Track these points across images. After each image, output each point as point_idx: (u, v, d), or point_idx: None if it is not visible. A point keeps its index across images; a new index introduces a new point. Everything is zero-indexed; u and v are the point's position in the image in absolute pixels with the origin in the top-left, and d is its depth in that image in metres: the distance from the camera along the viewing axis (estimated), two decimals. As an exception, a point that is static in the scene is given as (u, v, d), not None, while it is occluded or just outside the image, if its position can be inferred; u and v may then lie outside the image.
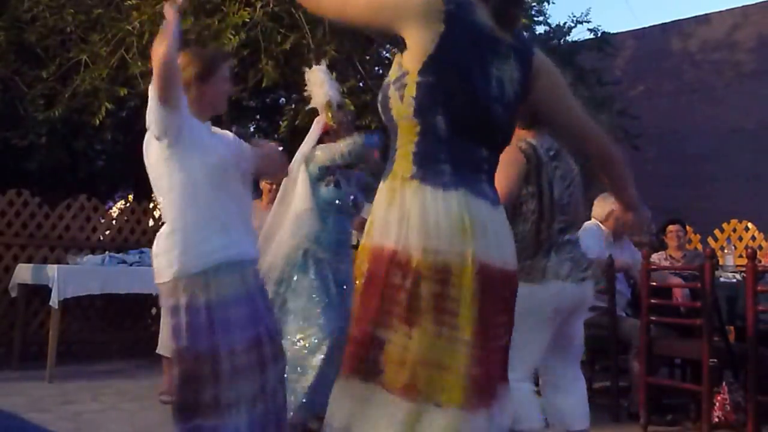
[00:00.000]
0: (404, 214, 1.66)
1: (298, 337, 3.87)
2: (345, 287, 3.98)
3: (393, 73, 1.77)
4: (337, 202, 4.15)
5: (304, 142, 4.32)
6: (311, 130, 4.35)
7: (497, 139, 1.81)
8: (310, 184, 4.12)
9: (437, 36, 1.67)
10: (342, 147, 4.08)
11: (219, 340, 2.55)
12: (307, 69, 4.36)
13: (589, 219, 5.23)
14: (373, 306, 1.67)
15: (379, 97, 1.82)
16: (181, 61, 2.73)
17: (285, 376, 2.85)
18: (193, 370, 2.53)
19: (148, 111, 2.55)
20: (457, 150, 1.71)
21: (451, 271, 1.62)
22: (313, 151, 4.19)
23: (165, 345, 4.87)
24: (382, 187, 1.78)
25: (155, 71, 2.49)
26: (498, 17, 1.77)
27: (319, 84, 4.26)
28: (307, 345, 3.84)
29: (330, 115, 4.21)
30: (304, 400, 3.76)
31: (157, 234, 2.70)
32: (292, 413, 3.63)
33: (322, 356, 3.79)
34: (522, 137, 3.07)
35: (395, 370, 1.63)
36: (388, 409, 1.63)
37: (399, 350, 1.63)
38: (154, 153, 2.67)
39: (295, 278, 3.99)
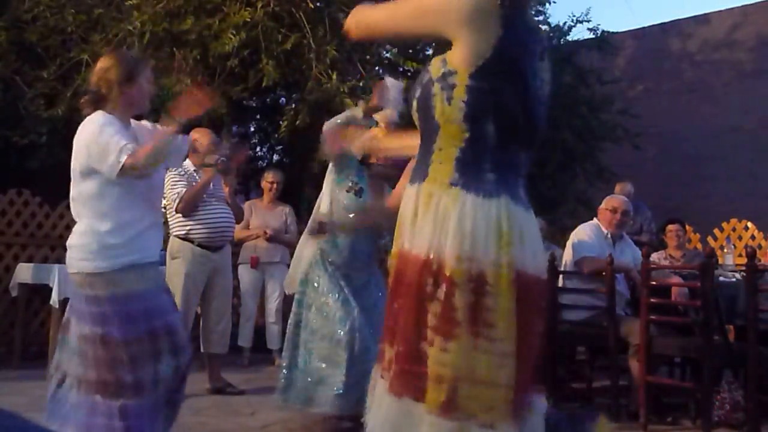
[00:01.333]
0: (440, 221, 1.61)
1: (322, 333, 3.97)
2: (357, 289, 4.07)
3: (436, 70, 1.69)
4: (352, 211, 4.14)
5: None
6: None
7: (536, 141, 1.76)
8: (335, 189, 4.15)
9: (494, 40, 1.59)
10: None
11: (118, 329, 2.81)
12: (386, 77, 4.31)
13: None
14: (412, 318, 1.61)
15: (417, 93, 1.74)
16: (104, 64, 3.01)
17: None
18: (106, 354, 2.82)
19: (103, 153, 2.80)
20: (502, 157, 1.66)
21: (487, 280, 1.57)
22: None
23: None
24: (415, 191, 1.72)
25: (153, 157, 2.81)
26: None
27: (391, 103, 4.14)
28: (331, 339, 3.93)
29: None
30: (339, 392, 3.82)
31: (75, 228, 2.96)
32: (328, 406, 3.83)
33: (346, 352, 3.86)
34: None
35: (433, 387, 1.56)
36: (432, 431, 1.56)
37: (436, 365, 1.57)
38: (85, 162, 2.89)
39: (316, 277, 4.10)
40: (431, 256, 1.60)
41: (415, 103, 1.75)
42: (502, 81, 1.62)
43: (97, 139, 2.83)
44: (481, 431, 1.55)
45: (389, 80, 4.22)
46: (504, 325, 1.56)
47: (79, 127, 2.95)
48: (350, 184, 4.11)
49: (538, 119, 1.70)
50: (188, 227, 5.06)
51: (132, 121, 3.11)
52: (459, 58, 1.63)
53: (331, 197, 4.14)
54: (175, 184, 4.99)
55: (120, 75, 2.97)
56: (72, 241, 2.95)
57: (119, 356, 2.80)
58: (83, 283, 2.88)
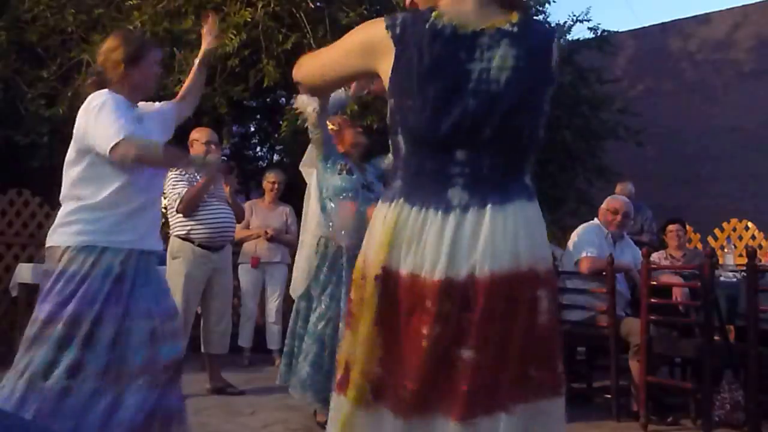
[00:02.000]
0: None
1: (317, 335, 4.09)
2: None
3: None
4: (349, 190, 4.25)
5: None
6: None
7: (482, 135, 1.70)
8: (323, 177, 4.26)
9: (390, 58, 1.72)
10: None
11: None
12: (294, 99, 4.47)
13: None
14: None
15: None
16: (110, 44, 2.97)
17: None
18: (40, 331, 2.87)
19: (104, 131, 2.75)
20: (412, 165, 1.75)
21: (366, 277, 1.72)
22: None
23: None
24: None
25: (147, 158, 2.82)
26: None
27: (305, 108, 4.29)
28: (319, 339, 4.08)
29: (328, 120, 4.33)
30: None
31: (64, 205, 3.00)
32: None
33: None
34: None
35: (340, 372, 1.77)
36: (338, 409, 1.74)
37: (343, 353, 1.78)
38: (82, 137, 2.88)
39: (319, 269, 4.25)
40: (360, 260, 1.81)
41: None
42: (400, 96, 1.73)
43: (97, 114, 2.79)
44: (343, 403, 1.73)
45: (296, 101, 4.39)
46: (367, 316, 1.69)
47: (83, 104, 2.90)
48: (339, 167, 4.24)
49: (476, 115, 1.69)
50: (189, 227, 5.06)
51: (140, 103, 3.07)
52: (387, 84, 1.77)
53: (324, 186, 4.25)
54: (176, 185, 4.99)
55: (125, 55, 2.93)
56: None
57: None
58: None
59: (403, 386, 1.65)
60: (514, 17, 1.73)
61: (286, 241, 6.63)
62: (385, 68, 1.74)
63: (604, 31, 10.18)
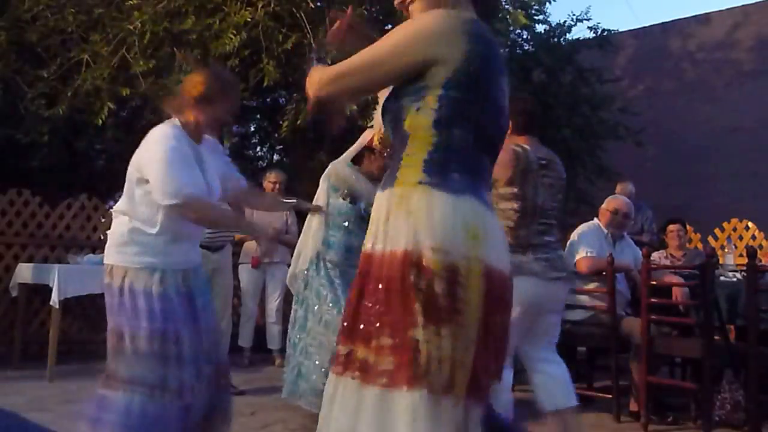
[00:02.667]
0: (411, 216, 1.70)
1: (313, 333, 4.22)
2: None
3: (405, 85, 1.81)
4: (346, 221, 4.42)
5: (348, 150, 4.56)
6: (360, 139, 4.53)
7: (499, 148, 1.89)
8: (329, 193, 4.43)
9: (463, 53, 1.74)
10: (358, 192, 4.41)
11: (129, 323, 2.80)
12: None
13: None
14: (399, 310, 1.68)
15: (386, 105, 1.87)
16: (196, 77, 2.97)
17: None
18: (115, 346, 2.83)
19: (162, 184, 2.77)
20: (468, 160, 1.77)
21: (459, 272, 1.66)
22: (343, 165, 4.49)
23: None
24: (385, 195, 1.81)
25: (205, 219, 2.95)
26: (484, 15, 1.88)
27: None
28: (315, 338, 4.20)
29: (379, 138, 4.30)
30: (316, 388, 4.03)
31: (120, 221, 2.92)
32: (304, 400, 4.16)
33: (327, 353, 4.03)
34: (516, 142, 3.42)
35: (430, 368, 1.65)
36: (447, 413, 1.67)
37: (431, 349, 1.65)
38: (142, 173, 2.87)
39: (311, 277, 4.38)
40: (410, 249, 1.68)
41: (386, 117, 1.88)
42: (467, 92, 1.75)
43: (158, 160, 2.79)
44: (453, 405, 1.66)
45: None
46: (473, 314, 1.67)
47: (150, 133, 2.89)
48: (344, 191, 4.32)
49: (500, 128, 1.85)
50: (210, 236, 5.09)
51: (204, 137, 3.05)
52: (429, 73, 1.76)
53: (330, 204, 4.43)
54: None
55: (200, 94, 2.93)
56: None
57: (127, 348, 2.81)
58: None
59: (490, 376, 1.73)
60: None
61: (286, 241, 6.62)
62: (449, 59, 1.74)
63: (604, 30, 10.18)
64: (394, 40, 1.82)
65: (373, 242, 1.79)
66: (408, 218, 1.70)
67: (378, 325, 1.70)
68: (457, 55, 1.74)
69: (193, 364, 2.83)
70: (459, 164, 1.75)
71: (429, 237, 1.67)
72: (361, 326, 1.73)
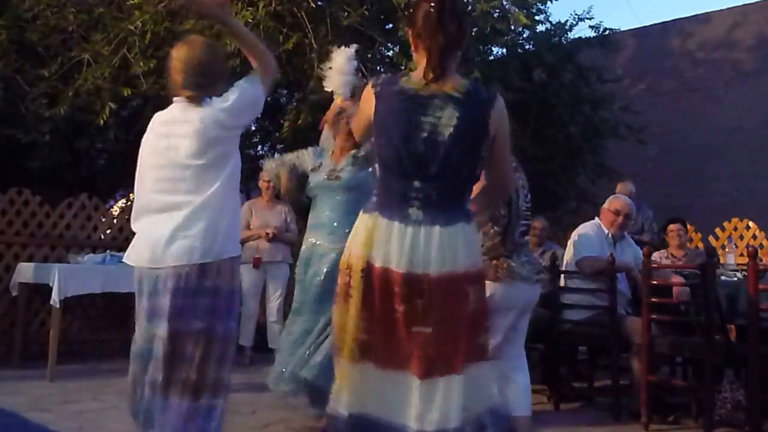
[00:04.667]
0: (353, 231, 2.40)
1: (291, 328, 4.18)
2: None
3: None
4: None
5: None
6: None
7: (430, 171, 2.28)
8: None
9: (374, 108, 2.36)
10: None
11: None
12: (336, 48, 4.43)
13: None
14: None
15: None
16: (175, 52, 3.01)
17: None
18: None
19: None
20: (384, 186, 2.36)
21: (352, 268, 2.29)
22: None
23: None
24: None
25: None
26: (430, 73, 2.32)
27: (338, 69, 4.30)
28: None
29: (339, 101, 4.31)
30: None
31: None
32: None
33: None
34: None
35: (337, 336, 2.36)
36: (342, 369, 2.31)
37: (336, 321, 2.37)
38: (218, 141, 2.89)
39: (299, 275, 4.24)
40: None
41: None
42: (377, 134, 2.37)
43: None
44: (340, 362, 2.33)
45: (340, 51, 4.38)
46: (355, 297, 2.27)
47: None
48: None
49: (425, 156, 2.27)
50: None
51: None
52: None
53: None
54: None
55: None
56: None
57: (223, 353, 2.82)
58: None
59: (381, 346, 2.26)
60: (463, 86, 2.33)
61: (287, 239, 6.63)
62: (371, 114, 2.37)
63: (605, 29, 10.18)
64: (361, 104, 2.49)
65: None
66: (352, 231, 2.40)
67: None
68: (372, 110, 2.36)
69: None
70: (379, 190, 2.39)
71: (348, 245, 2.36)
72: None
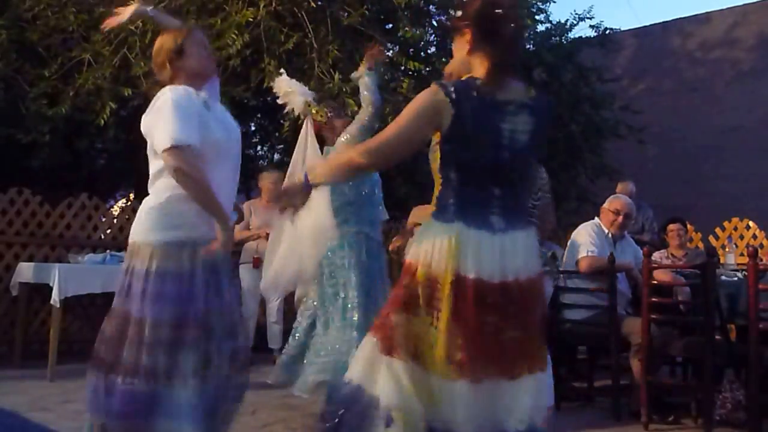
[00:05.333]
0: (420, 240, 2.31)
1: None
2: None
3: (432, 142, 2.36)
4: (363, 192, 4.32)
5: (303, 151, 4.46)
6: (303, 136, 4.46)
7: (511, 178, 2.32)
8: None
9: (452, 118, 2.24)
10: (355, 127, 4.13)
11: (148, 308, 2.79)
12: (272, 83, 4.47)
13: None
14: (392, 300, 2.34)
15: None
16: (156, 46, 2.97)
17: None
18: (119, 329, 2.87)
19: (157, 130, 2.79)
20: (463, 194, 2.29)
21: (437, 280, 2.21)
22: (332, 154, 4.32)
23: None
24: None
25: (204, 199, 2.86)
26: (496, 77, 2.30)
27: (290, 91, 4.35)
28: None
29: (315, 111, 4.32)
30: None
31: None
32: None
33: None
34: None
35: (404, 342, 2.24)
36: (396, 370, 2.21)
37: (403, 330, 2.25)
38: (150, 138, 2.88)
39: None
40: (412, 262, 2.30)
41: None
42: (457, 143, 2.27)
43: (157, 113, 2.80)
44: (429, 375, 2.22)
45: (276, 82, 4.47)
46: (445, 310, 2.19)
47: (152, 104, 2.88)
48: None
49: (506, 163, 2.29)
50: None
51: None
52: (438, 134, 2.31)
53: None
54: None
55: (169, 53, 2.93)
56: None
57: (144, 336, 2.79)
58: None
59: (477, 362, 2.19)
60: (531, 93, 2.35)
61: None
62: (442, 123, 2.26)
63: (606, 29, 10.18)
64: (414, 117, 2.30)
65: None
66: (417, 242, 2.32)
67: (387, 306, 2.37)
68: (447, 118, 2.24)
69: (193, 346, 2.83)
70: (455, 198, 2.30)
71: (422, 256, 2.26)
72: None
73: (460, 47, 2.38)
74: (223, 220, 2.83)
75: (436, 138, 2.33)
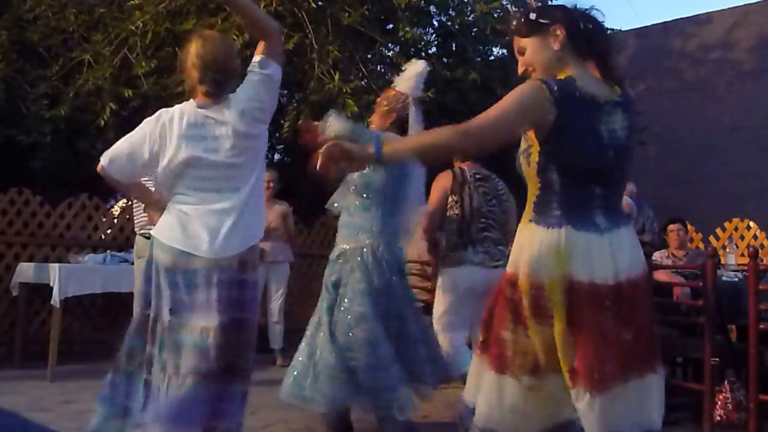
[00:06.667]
0: (519, 247, 2.27)
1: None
2: None
3: (522, 145, 2.32)
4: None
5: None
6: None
7: (613, 177, 2.30)
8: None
9: (555, 117, 2.18)
10: None
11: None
12: (415, 61, 4.30)
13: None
14: (498, 314, 2.29)
15: (516, 162, 2.37)
16: (185, 52, 3.09)
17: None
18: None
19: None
20: (566, 196, 2.23)
21: (546, 288, 2.16)
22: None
23: None
24: (518, 229, 2.34)
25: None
26: (604, 74, 2.32)
27: (409, 77, 4.17)
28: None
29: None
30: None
31: None
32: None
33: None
34: (460, 166, 4.60)
35: (520, 359, 2.23)
36: (518, 388, 2.23)
37: (519, 344, 2.23)
38: None
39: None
40: (513, 272, 2.26)
41: (518, 169, 2.37)
42: (560, 144, 2.21)
43: None
44: (557, 376, 2.20)
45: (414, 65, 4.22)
46: (558, 316, 2.15)
47: None
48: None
49: (609, 162, 2.26)
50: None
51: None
52: (534, 134, 2.25)
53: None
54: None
55: (192, 62, 3.04)
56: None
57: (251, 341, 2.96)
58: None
59: (601, 369, 2.13)
60: (618, 90, 2.33)
61: (286, 238, 6.64)
62: (542, 122, 2.20)
63: (607, 29, 10.17)
64: (515, 107, 2.22)
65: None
66: (517, 249, 2.28)
67: (489, 323, 2.33)
68: (549, 119, 2.18)
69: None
70: (558, 202, 2.24)
71: (526, 264, 2.21)
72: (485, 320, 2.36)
73: (543, 46, 2.33)
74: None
75: (529, 140, 2.28)
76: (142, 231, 5.14)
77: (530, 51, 2.35)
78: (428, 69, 4.24)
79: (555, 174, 2.24)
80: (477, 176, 4.57)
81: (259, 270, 3.11)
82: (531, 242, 2.23)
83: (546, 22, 2.32)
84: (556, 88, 2.20)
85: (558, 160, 2.23)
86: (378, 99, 4.24)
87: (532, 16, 2.34)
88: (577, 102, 2.22)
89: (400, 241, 4.01)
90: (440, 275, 4.68)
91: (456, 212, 4.46)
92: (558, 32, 2.30)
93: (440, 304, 4.60)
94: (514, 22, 2.39)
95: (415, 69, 4.18)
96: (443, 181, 4.56)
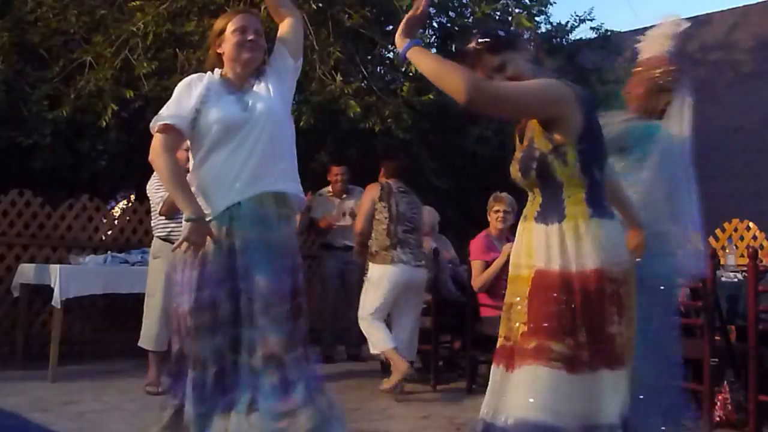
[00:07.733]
0: (590, 241, 2.21)
1: None
2: None
3: (544, 146, 2.28)
4: None
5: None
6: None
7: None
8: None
9: (583, 116, 2.26)
10: None
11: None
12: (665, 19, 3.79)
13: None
14: (556, 317, 2.19)
15: (533, 165, 2.30)
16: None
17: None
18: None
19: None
20: (599, 188, 2.31)
21: (628, 277, 2.24)
22: None
23: (147, 338, 5.33)
24: (554, 228, 2.25)
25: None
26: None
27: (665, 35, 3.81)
28: None
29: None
30: None
31: None
32: None
33: None
34: (386, 180, 5.69)
35: (619, 351, 2.21)
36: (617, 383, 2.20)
37: (621, 338, 2.21)
38: None
39: None
40: (599, 267, 2.19)
41: (535, 173, 2.31)
42: (595, 140, 2.32)
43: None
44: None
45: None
46: (630, 306, 2.25)
47: None
48: None
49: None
50: (169, 229, 5.19)
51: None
52: (562, 134, 2.26)
53: None
54: (158, 188, 5.09)
55: (211, 39, 3.02)
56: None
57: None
58: None
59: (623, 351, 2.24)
60: None
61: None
62: (574, 118, 2.24)
63: (606, 30, 10.18)
64: (540, 92, 2.26)
65: (546, 263, 2.23)
66: (594, 244, 2.20)
67: (575, 324, 2.18)
68: (580, 117, 2.25)
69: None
70: (604, 195, 2.33)
71: (602, 256, 2.19)
72: (546, 325, 2.18)
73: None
74: (185, 209, 2.74)
75: (556, 140, 2.25)
76: (158, 233, 5.32)
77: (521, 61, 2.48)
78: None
79: (596, 169, 2.32)
80: (401, 189, 5.60)
81: None
82: (596, 236, 2.21)
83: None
84: (573, 86, 2.32)
85: (594, 155, 2.32)
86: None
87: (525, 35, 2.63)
88: (591, 102, 2.35)
89: None
90: (370, 272, 5.51)
91: (384, 215, 5.45)
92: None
93: (371, 297, 5.42)
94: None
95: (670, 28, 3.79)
96: (372, 191, 5.58)
